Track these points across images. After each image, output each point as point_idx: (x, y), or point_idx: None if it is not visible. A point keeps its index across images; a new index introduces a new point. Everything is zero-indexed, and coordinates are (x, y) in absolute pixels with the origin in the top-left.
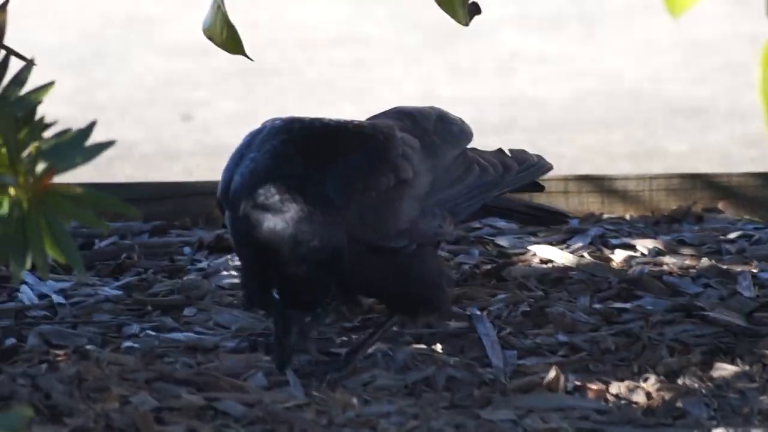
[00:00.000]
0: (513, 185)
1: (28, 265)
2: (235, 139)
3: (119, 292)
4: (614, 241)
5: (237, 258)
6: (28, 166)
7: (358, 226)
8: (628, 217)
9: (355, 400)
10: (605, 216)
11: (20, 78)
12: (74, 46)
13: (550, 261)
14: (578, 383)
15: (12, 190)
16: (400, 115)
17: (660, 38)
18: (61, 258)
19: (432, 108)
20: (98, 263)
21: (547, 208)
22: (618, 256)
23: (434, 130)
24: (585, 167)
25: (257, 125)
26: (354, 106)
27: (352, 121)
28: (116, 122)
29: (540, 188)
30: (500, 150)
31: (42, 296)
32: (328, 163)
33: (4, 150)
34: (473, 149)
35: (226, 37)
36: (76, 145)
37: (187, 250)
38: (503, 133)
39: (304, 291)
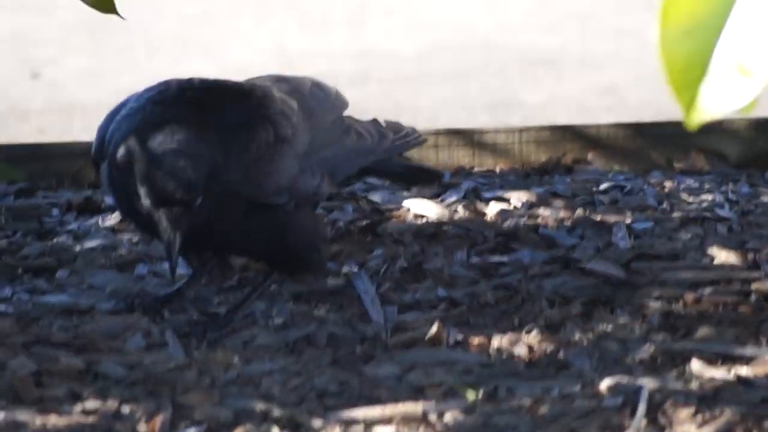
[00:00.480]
0: (389, 153)
1: None
2: (86, 95)
3: None
4: (487, 195)
5: (112, 216)
6: None
7: (238, 181)
8: (498, 170)
9: (236, 360)
10: (476, 169)
11: None
12: None
13: (425, 216)
14: (460, 337)
15: None
16: (277, 78)
17: None
18: None
19: (306, 77)
20: None
21: (421, 167)
22: (492, 210)
23: (310, 94)
24: (444, 119)
25: (108, 81)
26: (205, 61)
27: (229, 80)
28: None
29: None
30: (375, 120)
31: None
32: (206, 115)
33: None
34: (349, 117)
35: None
36: None
37: (55, 211)
38: (359, 85)
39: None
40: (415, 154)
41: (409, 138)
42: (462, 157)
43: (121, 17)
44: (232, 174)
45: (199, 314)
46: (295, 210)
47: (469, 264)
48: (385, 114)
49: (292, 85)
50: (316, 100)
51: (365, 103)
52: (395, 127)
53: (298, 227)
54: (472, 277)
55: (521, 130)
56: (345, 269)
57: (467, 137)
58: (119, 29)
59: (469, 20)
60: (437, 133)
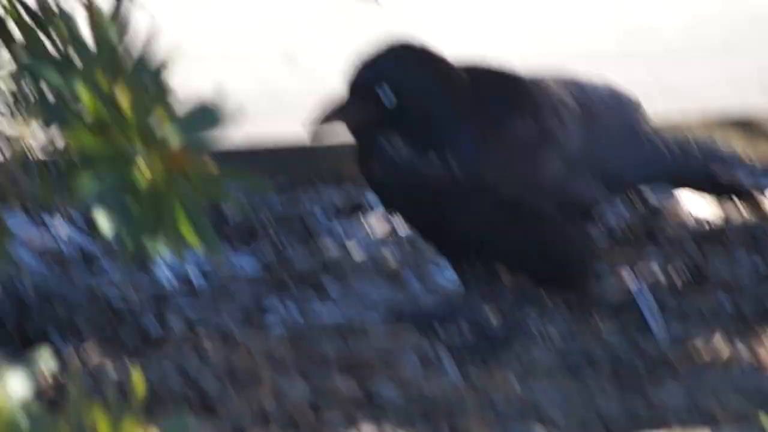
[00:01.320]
0: (689, 172)
1: (161, 249)
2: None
3: (256, 266)
4: None
5: (378, 218)
6: (159, 137)
7: (490, 173)
8: None
9: (514, 382)
10: (756, 163)
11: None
12: None
13: (705, 216)
14: (750, 357)
15: (142, 164)
16: (565, 80)
17: None
18: (196, 242)
19: (602, 82)
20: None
21: (731, 183)
22: None
23: (598, 97)
24: (713, 101)
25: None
26: None
27: (510, 69)
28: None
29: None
30: (685, 137)
31: (180, 275)
32: (470, 93)
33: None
34: (650, 127)
35: None
36: (210, 118)
37: (319, 213)
38: (620, 61)
39: None
40: None
41: (722, 166)
42: (738, 145)
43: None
44: (484, 164)
45: (474, 332)
46: (561, 217)
47: (757, 273)
48: (645, 92)
49: (578, 85)
50: (604, 103)
51: (627, 81)
52: (708, 150)
53: (563, 236)
54: (762, 288)
55: None
56: (622, 277)
57: (743, 123)
58: (375, 14)
59: None
60: (708, 118)
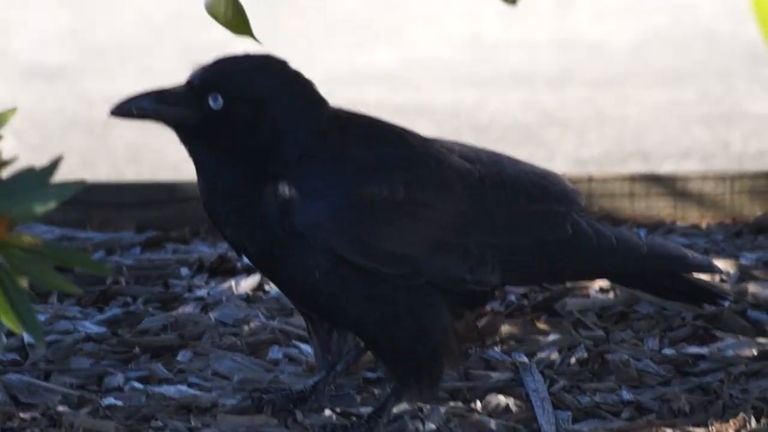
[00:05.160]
0: (635, 266)
1: None
2: None
3: (102, 329)
4: None
5: (247, 280)
6: None
7: (345, 238)
8: (704, 225)
9: None
10: (678, 224)
11: None
12: None
13: (612, 290)
14: None
15: None
16: (488, 152)
17: None
18: (17, 329)
19: (536, 168)
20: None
21: (700, 285)
22: None
23: (514, 178)
24: (653, 135)
25: None
26: (389, 48)
27: (401, 127)
28: (116, 69)
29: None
30: (634, 232)
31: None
32: (338, 143)
33: None
34: (586, 214)
35: (231, 16)
36: (36, 187)
37: (184, 271)
38: (558, 87)
39: None
40: (606, 203)
41: (687, 263)
42: (662, 208)
43: (257, 41)
44: (339, 229)
45: (338, 416)
46: (422, 292)
47: (662, 357)
48: (585, 122)
49: (497, 164)
50: (518, 185)
51: (564, 110)
52: (665, 250)
53: (406, 311)
54: (664, 375)
55: (732, 178)
56: (513, 359)
57: (668, 185)
58: (294, 14)
59: (690, 4)
60: (633, 178)
